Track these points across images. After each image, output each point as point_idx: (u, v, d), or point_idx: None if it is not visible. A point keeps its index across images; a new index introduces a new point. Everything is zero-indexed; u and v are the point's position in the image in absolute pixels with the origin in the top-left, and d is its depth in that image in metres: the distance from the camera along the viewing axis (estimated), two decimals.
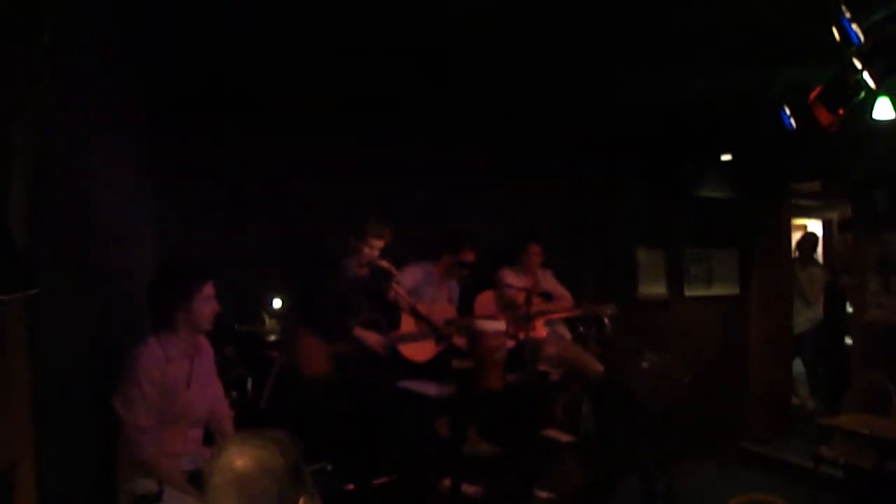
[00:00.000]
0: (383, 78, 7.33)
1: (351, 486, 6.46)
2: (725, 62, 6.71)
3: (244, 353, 6.67)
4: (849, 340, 10.00)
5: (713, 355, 9.84)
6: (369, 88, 7.58)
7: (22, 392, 3.14)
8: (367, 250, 6.99)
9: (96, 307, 4.59)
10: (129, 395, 4.48)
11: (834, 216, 13.03)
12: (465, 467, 7.01)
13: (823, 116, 6.08)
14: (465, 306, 8.01)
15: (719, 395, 9.82)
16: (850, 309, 9.92)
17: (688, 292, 9.88)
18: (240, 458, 2.47)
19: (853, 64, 5.53)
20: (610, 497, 7.67)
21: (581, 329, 8.40)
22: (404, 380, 7.03)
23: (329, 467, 6.08)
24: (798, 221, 12.47)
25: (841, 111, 5.99)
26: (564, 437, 7.71)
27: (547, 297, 7.92)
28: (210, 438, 5.06)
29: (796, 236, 11.38)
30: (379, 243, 7.02)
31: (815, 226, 13.46)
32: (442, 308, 7.66)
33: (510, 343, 7.24)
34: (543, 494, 7.28)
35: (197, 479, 4.42)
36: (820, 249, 12.88)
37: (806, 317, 10.82)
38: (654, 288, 9.65)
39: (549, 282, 8.31)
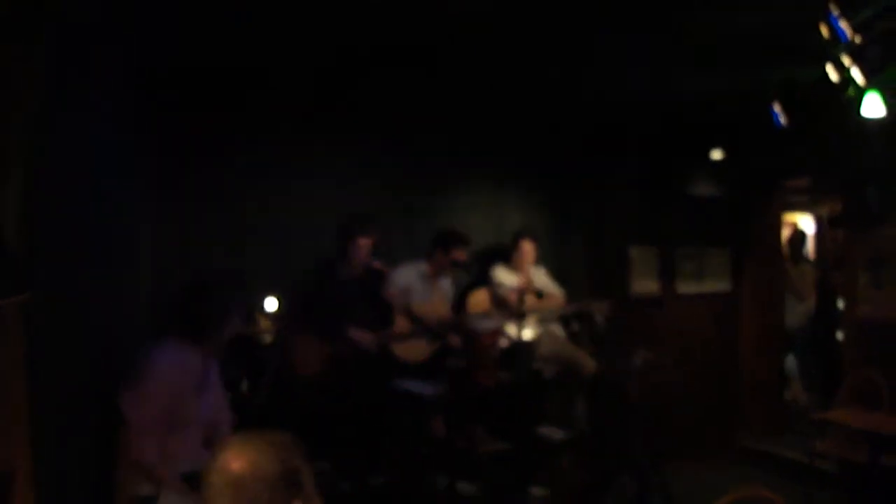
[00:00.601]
0: (376, 79, 7.34)
1: (347, 486, 6.48)
2: (717, 61, 6.73)
3: (239, 355, 6.68)
4: (840, 336, 10.01)
5: (706, 352, 9.84)
6: (362, 90, 7.60)
7: (19, 397, 3.14)
8: (356, 250, 7.01)
9: (93, 311, 4.59)
10: (138, 397, 4.45)
11: (825, 212, 13.04)
12: (460, 466, 7.02)
13: None
14: (459, 304, 8.03)
15: (712, 392, 9.82)
16: (841, 304, 9.93)
17: (680, 289, 9.88)
18: (236, 460, 2.47)
19: (842, 61, 5.56)
20: (605, 494, 7.68)
21: (574, 327, 8.42)
22: (399, 380, 7.04)
23: (325, 467, 6.10)
24: (789, 218, 12.48)
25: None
26: (559, 435, 7.73)
27: (540, 294, 7.94)
28: (209, 440, 5.06)
29: (787, 233, 11.39)
30: (367, 242, 7.04)
31: (806, 222, 13.47)
32: (435, 307, 7.68)
33: (503, 341, 7.26)
34: (538, 492, 7.31)
35: (195, 481, 4.44)
36: (811, 245, 12.93)
37: (798, 313, 10.84)
38: (646, 285, 9.66)
39: (541, 279, 8.33)
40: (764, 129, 7.23)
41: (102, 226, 4.86)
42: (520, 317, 7.35)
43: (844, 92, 5.92)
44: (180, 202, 7.26)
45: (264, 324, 7.28)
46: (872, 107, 6.75)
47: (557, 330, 8.34)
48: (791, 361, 11.03)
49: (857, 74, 5.57)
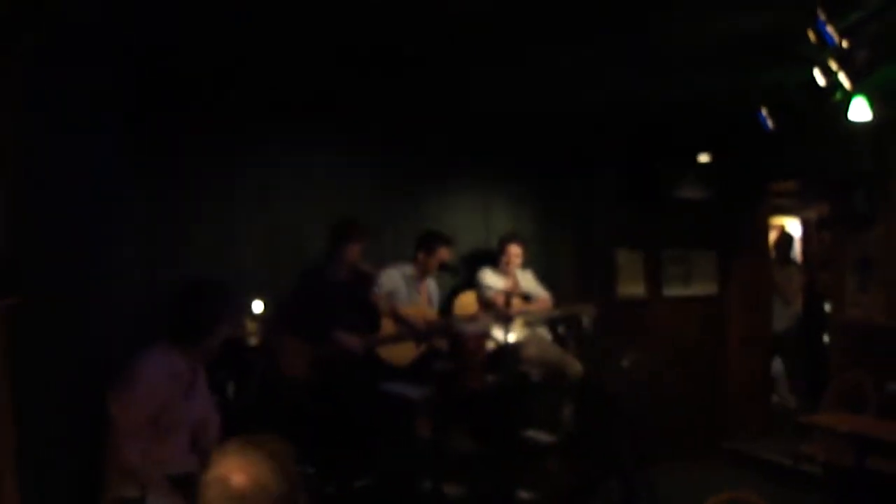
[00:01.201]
0: (365, 82, 7.34)
1: (333, 489, 6.47)
2: (705, 64, 6.74)
3: (225, 357, 6.65)
4: (827, 339, 10.04)
5: (693, 355, 9.85)
6: (351, 93, 7.60)
7: (3, 400, 3.13)
8: (347, 254, 7.02)
9: (80, 313, 4.58)
10: (126, 400, 4.42)
11: (812, 215, 13.07)
12: (446, 468, 7.01)
13: None
14: (446, 307, 8.04)
15: (699, 395, 9.84)
16: (828, 307, 9.95)
17: (667, 292, 9.89)
18: (238, 473, 2.43)
19: (829, 65, 5.57)
20: (591, 497, 7.68)
21: (561, 330, 8.42)
22: (385, 382, 7.04)
23: (311, 470, 6.08)
24: (776, 221, 12.51)
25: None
26: (545, 438, 7.72)
27: (527, 297, 7.94)
28: (195, 443, 5.04)
29: (774, 236, 11.42)
30: (357, 247, 7.04)
31: (793, 225, 13.49)
32: (422, 309, 7.68)
33: (490, 344, 7.26)
34: (525, 495, 7.30)
35: (182, 484, 4.43)
36: (798, 248, 12.96)
37: (785, 316, 10.86)
38: (633, 288, 9.67)
39: (528, 283, 8.34)
40: (751, 132, 7.25)
41: (89, 229, 4.85)
42: (507, 320, 7.35)
43: (831, 96, 5.93)
44: (167, 205, 7.24)
45: (251, 326, 7.26)
46: (859, 111, 6.78)
47: (544, 333, 8.34)
48: (778, 364, 11.05)
49: (843, 79, 5.58)
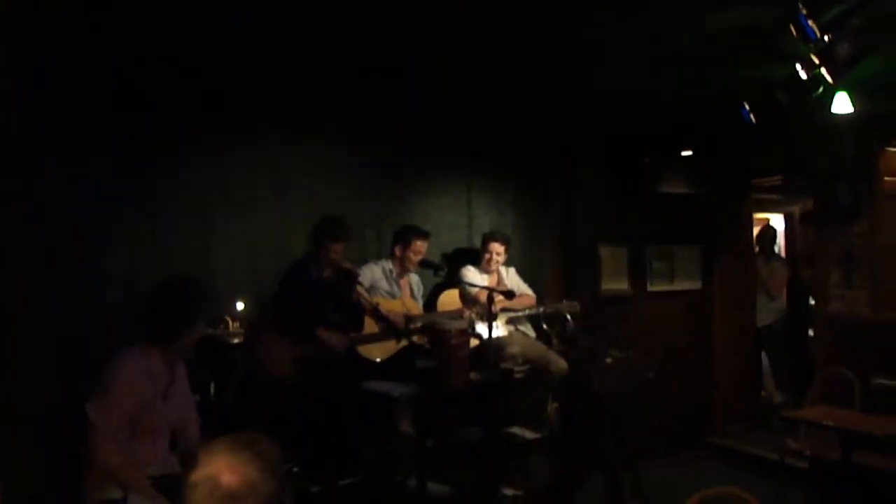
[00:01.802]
0: (346, 83, 7.32)
1: (317, 488, 6.45)
2: (687, 59, 6.73)
3: (206, 357, 6.63)
4: (812, 333, 10.05)
5: (677, 350, 9.86)
6: (333, 94, 7.58)
7: None
8: (329, 253, 7.00)
9: (62, 315, 4.55)
10: (104, 404, 4.38)
11: (796, 210, 13.09)
12: (430, 466, 7.00)
13: None
14: (429, 304, 8.02)
15: (684, 390, 9.85)
16: (812, 302, 9.96)
17: (651, 288, 9.90)
18: (227, 473, 2.39)
19: (811, 60, 5.56)
20: (577, 494, 7.68)
21: (545, 327, 8.41)
22: (368, 380, 7.02)
23: (295, 469, 6.07)
24: (760, 216, 12.51)
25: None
26: (530, 435, 7.71)
27: (510, 295, 7.92)
28: (176, 443, 5.02)
29: (757, 230, 11.43)
30: (340, 246, 7.03)
31: (777, 220, 13.50)
32: (404, 304, 7.67)
33: (474, 341, 7.24)
34: (510, 492, 7.28)
35: (163, 484, 4.40)
36: (782, 243, 12.97)
37: (769, 310, 10.86)
38: (616, 284, 9.67)
39: (511, 280, 8.32)
40: (734, 127, 7.25)
41: (68, 231, 4.82)
42: (490, 317, 7.33)
43: (814, 91, 5.93)
44: (151, 204, 7.21)
45: (233, 326, 7.24)
46: (841, 105, 6.79)
47: (528, 330, 8.33)
48: (763, 359, 11.06)
49: (825, 73, 5.57)
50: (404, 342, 7.41)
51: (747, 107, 6.78)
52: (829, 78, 5.61)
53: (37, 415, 3.96)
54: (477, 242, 8.40)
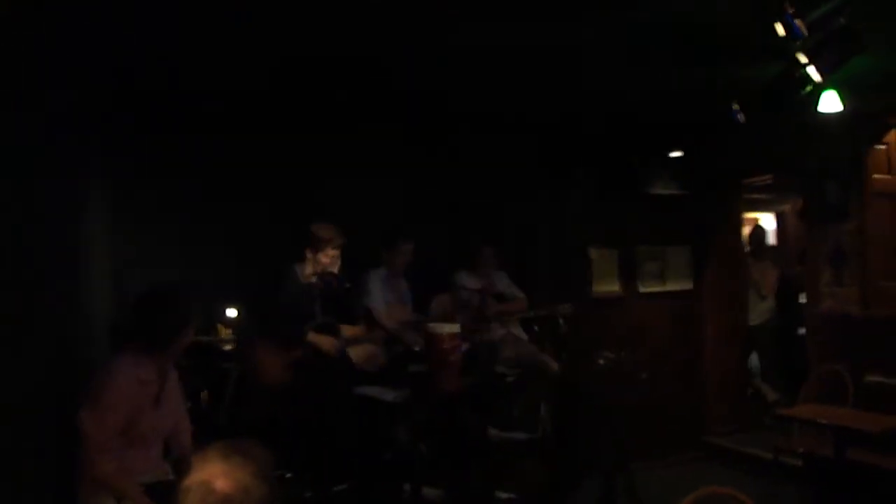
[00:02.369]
0: (333, 86, 7.31)
1: (310, 493, 6.44)
2: (675, 58, 6.73)
3: (198, 364, 6.62)
4: (802, 331, 10.05)
5: (669, 351, 9.87)
6: (322, 96, 7.57)
7: None
8: (322, 258, 6.99)
9: (47, 323, 4.53)
10: (96, 413, 4.36)
11: (786, 209, 13.11)
12: (425, 471, 6.99)
13: None
14: (421, 309, 8.00)
15: (677, 390, 9.86)
16: (803, 300, 9.97)
17: (642, 289, 9.91)
18: (221, 478, 2.40)
19: (799, 58, 5.57)
20: (571, 496, 7.68)
21: (536, 329, 8.40)
22: (361, 385, 7.01)
23: (288, 475, 6.06)
24: (750, 215, 12.53)
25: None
26: (523, 438, 7.70)
27: (502, 298, 7.92)
28: (168, 450, 5.01)
29: (747, 230, 11.44)
30: (334, 252, 7.02)
31: (767, 219, 13.53)
32: (398, 310, 7.66)
33: (466, 345, 7.23)
34: (504, 496, 7.28)
35: (156, 492, 4.39)
36: (773, 242, 12.99)
37: (760, 309, 10.87)
38: (607, 286, 9.68)
39: (503, 283, 8.32)
40: (723, 127, 7.26)
41: (57, 239, 4.80)
42: (482, 321, 7.33)
43: (802, 89, 5.94)
44: (137, 210, 7.20)
45: (224, 333, 7.23)
46: (829, 103, 6.80)
47: (520, 333, 8.32)
48: (754, 358, 11.07)
49: (813, 72, 5.58)
50: (398, 347, 7.39)
51: (736, 106, 6.79)
52: (817, 76, 5.62)
53: (28, 423, 3.94)
54: (467, 246, 8.38)
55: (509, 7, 5.42)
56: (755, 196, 11.89)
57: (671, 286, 10.09)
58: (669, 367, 9.76)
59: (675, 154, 9.47)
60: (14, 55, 3.61)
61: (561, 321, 8.15)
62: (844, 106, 6.94)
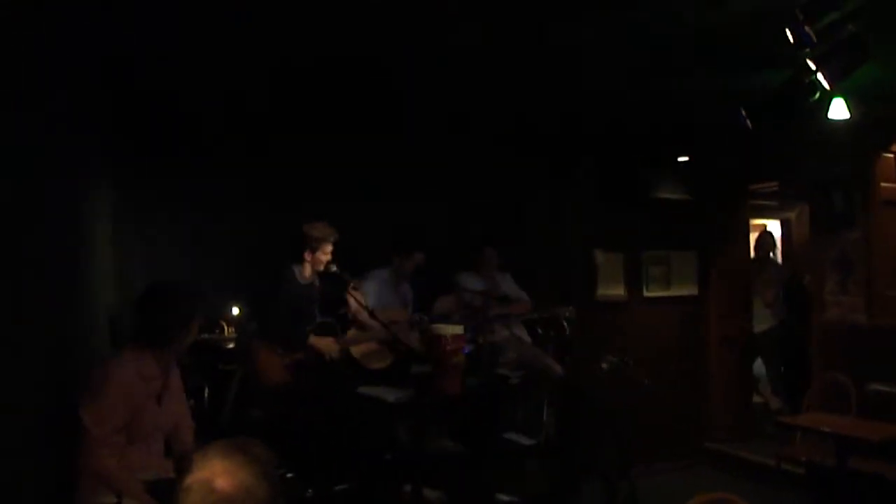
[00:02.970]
0: (334, 87, 7.31)
1: (312, 493, 6.44)
2: (684, 64, 6.72)
3: (202, 362, 6.62)
4: (808, 339, 10.04)
5: (673, 356, 9.86)
6: (319, 101, 7.57)
7: None
8: (320, 256, 6.98)
9: (47, 320, 4.52)
10: (98, 409, 4.35)
11: (792, 216, 13.09)
12: (426, 472, 6.98)
13: None
14: (424, 310, 7.99)
15: (681, 396, 9.84)
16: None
17: (647, 293, 9.90)
18: (222, 477, 2.38)
19: (807, 66, 5.56)
20: (572, 500, 7.67)
21: (540, 332, 8.39)
22: (364, 385, 7.01)
23: (289, 474, 6.05)
24: (756, 222, 12.51)
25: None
26: (526, 441, 7.69)
27: (505, 300, 7.90)
28: (170, 448, 5.00)
29: (754, 237, 11.42)
30: (329, 248, 7.00)
31: (773, 226, 13.51)
32: (394, 312, 7.64)
33: (469, 347, 7.22)
34: (505, 498, 7.27)
35: (157, 489, 4.38)
36: (779, 249, 12.96)
37: (766, 316, 10.85)
38: (613, 290, 9.67)
39: (507, 285, 8.30)
40: (730, 133, 7.24)
41: (59, 238, 4.80)
42: (486, 322, 7.32)
43: (810, 96, 5.92)
44: (141, 208, 7.22)
45: (227, 331, 7.23)
46: (838, 111, 6.79)
47: (524, 335, 8.31)
48: (759, 365, 11.05)
49: (822, 79, 5.57)
50: (401, 349, 7.38)
51: (744, 113, 6.78)
52: (825, 84, 5.60)
53: (26, 419, 3.93)
54: (470, 247, 8.37)
55: (512, 6, 5.42)
56: (761, 202, 11.87)
57: (676, 291, 10.07)
58: (673, 373, 9.75)
59: (682, 159, 9.45)
60: (14, 55, 3.61)
61: (565, 324, 8.14)
62: (852, 114, 6.94)
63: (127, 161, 7.00)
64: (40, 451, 4.21)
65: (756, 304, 10.72)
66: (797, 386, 9.63)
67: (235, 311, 7.28)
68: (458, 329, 6.90)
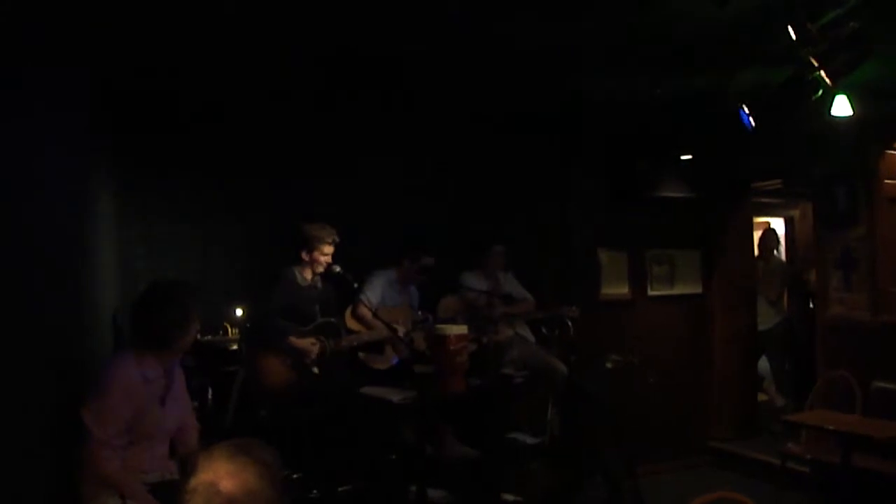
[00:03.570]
0: (336, 84, 7.31)
1: (317, 494, 6.44)
2: (686, 62, 6.72)
3: (205, 363, 6.62)
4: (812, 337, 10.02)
5: (678, 355, 9.84)
6: (324, 96, 7.56)
7: None
8: (318, 257, 6.97)
9: (51, 321, 4.52)
10: (100, 410, 4.34)
11: (795, 214, 13.07)
12: (430, 473, 6.98)
13: None
14: (428, 310, 7.98)
15: (685, 395, 9.83)
16: (812, 305, 9.94)
17: (651, 292, 9.88)
18: (227, 479, 2.39)
19: (810, 63, 5.55)
20: (577, 499, 7.66)
21: (544, 331, 8.38)
22: (368, 386, 7.00)
23: (294, 475, 6.05)
24: (759, 219, 12.49)
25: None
26: (530, 440, 7.69)
27: (509, 299, 7.90)
28: (174, 449, 4.99)
29: (758, 235, 11.39)
30: (330, 249, 7.00)
31: (777, 224, 13.48)
32: (396, 312, 7.63)
33: (473, 347, 7.21)
34: (510, 498, 7.27)
35: (161, 491, 4.37)
36: (783, 247, 12.94)
37: (770, 314, 10.83)
38: (616, 288, 9.65)
39: (511, 284, 8.29)
40: (733, 131, 7.23)
41: (60, 236, 4.79)
42: (490, 322, 7.31)
43: (813, 94, 5.91)
44: (146, 209, 7.21)
45: (231, 332, 7.22)
46: (841, 108, 6.78)
47: (527, 334, 8.30)
48: (763, 363, 11.04)
49: (824, 76, 5.56)
50: (404, 349, 7.37)
51: (746, 110, 6.77)
52: (828, 81, 5.59)
53: (29, 420, 3.93)
54: (474, 247, 8.35)
55: (516, 6, 5.42)
56: (764, 200, 11.84)
57: (680, 289, 10.06)
58: (678, 371, 9.74)
59: (685, 157, 9.43)
60: (14, 55, 3.61)
61: (569, 323, 8.12)
62: (855, 110, 6.93)
63: (130, 162, 6.99)
64: (43, 452, 4.21)
65: (760, 302, 10.70)
66: (802, 384, 9.62)
67: (239, 312, 7.26)
68: (462, 329, 6.89)
